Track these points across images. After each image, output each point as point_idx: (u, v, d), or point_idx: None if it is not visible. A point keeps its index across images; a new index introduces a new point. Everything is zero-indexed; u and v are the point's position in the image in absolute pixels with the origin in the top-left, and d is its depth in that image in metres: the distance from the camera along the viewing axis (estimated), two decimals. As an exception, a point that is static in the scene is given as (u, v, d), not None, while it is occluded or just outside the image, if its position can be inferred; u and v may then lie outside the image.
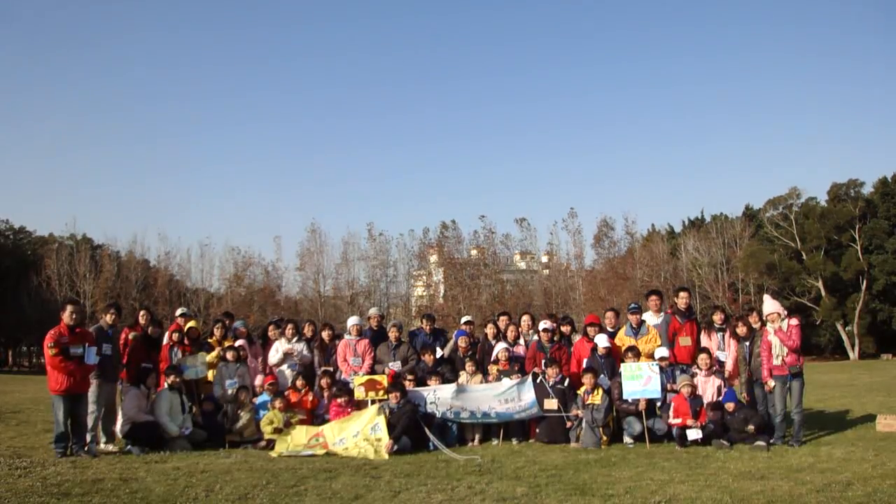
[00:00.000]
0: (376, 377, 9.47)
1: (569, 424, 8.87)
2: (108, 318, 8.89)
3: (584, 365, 9.29)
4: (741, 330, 9.11)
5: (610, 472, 6.87)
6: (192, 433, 8.82)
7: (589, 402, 8.76)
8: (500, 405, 9.05)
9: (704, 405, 8.67)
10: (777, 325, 8.48)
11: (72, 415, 8.12)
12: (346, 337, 10.32)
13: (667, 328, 9.59)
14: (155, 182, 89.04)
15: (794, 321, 8.58)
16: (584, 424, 8.70)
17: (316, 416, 9.47)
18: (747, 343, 9.05)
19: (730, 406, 8.62)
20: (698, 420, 8.44)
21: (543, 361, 9.42)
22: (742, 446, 8.26)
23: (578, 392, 9.01)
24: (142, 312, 10.11)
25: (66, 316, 8.09)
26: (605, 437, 8.64)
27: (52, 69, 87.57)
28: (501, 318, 10.78)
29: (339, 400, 9.30)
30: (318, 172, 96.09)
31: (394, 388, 8.98)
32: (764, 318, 8.79)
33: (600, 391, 8.80)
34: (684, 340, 9.52)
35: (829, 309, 46.49)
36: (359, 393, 9.31)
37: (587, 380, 8.89)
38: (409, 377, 9.51)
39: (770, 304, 8.79)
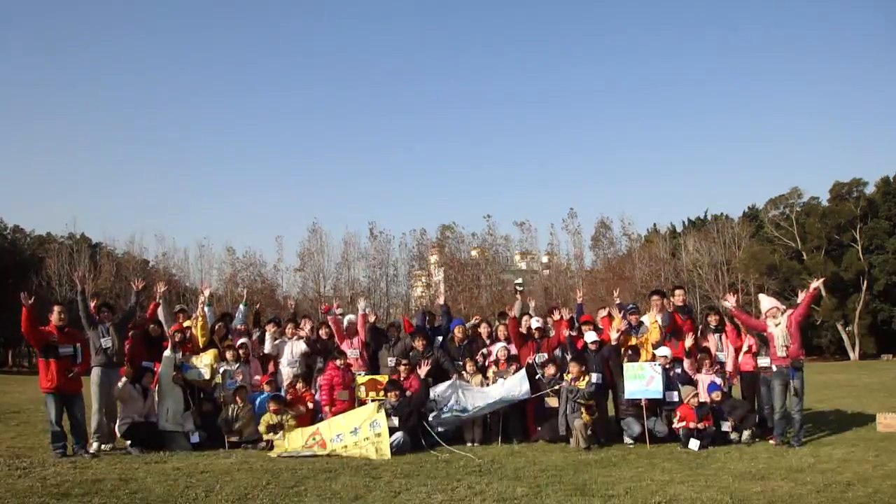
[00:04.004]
0: (377, 377, 9.52)
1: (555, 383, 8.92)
2: (104, 318, 9.03)
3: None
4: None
5: (610, 473, 6.87)
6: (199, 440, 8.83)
7: (573, 387, 8.80)
8: (494, 396, 9.11)
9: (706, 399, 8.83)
10: (778, 319, 8.49)
11: (68, 415, 8.16)
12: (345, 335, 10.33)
13: (667, 326, 9.60)
14: (155, 182, 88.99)
15: (789, 312, 8.59)
16: (567, 411, 8.76)
17: (316, 416, 9.44)
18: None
19: (716, 395, 8.81)
20: (701, 422, 8.47)
21: (536, 357, 9.55)
22: (742, 446, 8.30)
23: (565, 377, 9.04)
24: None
25: (55, 317, 8.24)
26: (587, 416, 8.58)
27: (52, 69, 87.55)
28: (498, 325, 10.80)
29: (336, 362, 9.35)
30: (319, 173, 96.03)
31: (392, 386, 9.00)
32: (763, 316, 8.79)
33: (587, 378, 8.84)
34: (687, 339, 9.54)
35: (830, 309, 46.47)
36: (360, 393, 9.32)
37: (573, 368, 8.94)
38: (404, 362, 9.60)
39: (767, 302, 8.89)
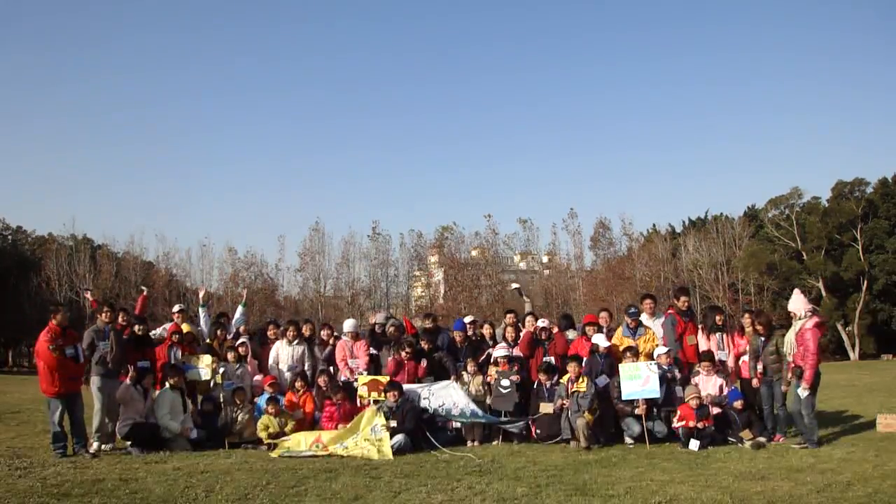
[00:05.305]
0: (379, 378, 9.49)
1: (560, 403, 8.87)
2: (105, 318, 8.98)
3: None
4: (759, 328, 9.15)
5: (610, 473, 6.87)
6: (197, 436, 8.81)
7: (574, 389, 8.79)
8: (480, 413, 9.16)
9: (707, 398, 8.83)
10: (795, 324, 8.46)
11: (68, 414, 8.18)
12: (344, 338, 10.30)
13: (673, 328, 9.62)
14: (155, 182, 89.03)
15: (810, 323, 8.30)
16: (569, 413, 8.73)
17: (315, 421, 9.39)
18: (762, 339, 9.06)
19: (738, 404, 8.77)
20: (701, 422, 8.46)
21: (539, 366, 9.48)
22: (742, 447, 8.31)
23: (562, 381, 9.04)
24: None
25: (61, 317, 8.23)
26: (589, 416, 8.57)
27: (52, 69, 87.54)
28: (508, 315, 10.82)
29: (334, 398, 9.29)
30: (321, 172, 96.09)
31: (392, 387, 8.99)
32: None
33: (586, 379, 8.84)
34: (691, 340, 9.61)
35: (830, 309, 46.45)
36: (362, 392, 9.32)
37: (572, 368, 8.93)
38: (408, 349, 9.64)
39: (790, 302, 8.75)
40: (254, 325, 11.55)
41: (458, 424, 9.35)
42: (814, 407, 8.31)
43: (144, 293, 10.52)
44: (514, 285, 10.90)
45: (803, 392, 8.17)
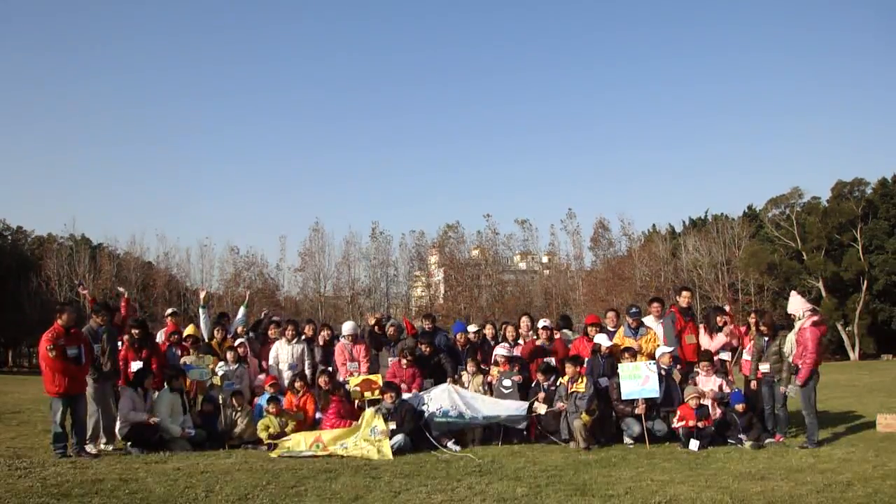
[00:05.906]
0: (371, 377, 9.49)
1: (560, 406, 8.87)
2: (99, 320, 8.91)
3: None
4: (764, 328, 9.18)
5: (610, 473, 6.87)
6: (194, 434, 8.80)
7: (572, 390, 8.79)
8: (491, 409, 9.08)
9: (709, 393, 8.90)
10: (795, 325, 8.48)
11: (71, 415, 8.17)
12: (342, 341, 10.27)
13: (672, 325, 9.63)
14: (155, 182, 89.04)
15: (808, 322, 8.35)
16: (567, 414, 8.72)
17: (316, 422, 9.37)
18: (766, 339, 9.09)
19: (740, 407, 8.74)
20: (701, 422, 8.47)
21: (538, 367, 9.48)
22: (743, 447, 8.32)
23: (561, 381, 9.03)
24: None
25: (67, 317, 8.19)
26: (586, 417, 8.55)
27: (51, 69, 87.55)
28: (505, 326, 10.84)
29: (337, 394, 9.28)
30: (322, 173, 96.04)
31: (389, 387, 8.99)
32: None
33: (584, 380, 8.83)
34: (690, 339, 9.62)
35: (830, 309, 46.45)
36: (355, 393, 9.31)
37: (570, 369, 8.94)
38: (409, 358, 9.64)
39: (789, 305, 8.79)
40: (254, 318, 11.58)
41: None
42: (814, 407, 8.32)
43: (125, 295, 10.47)
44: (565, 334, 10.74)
45: (791, 390, 8.34)
